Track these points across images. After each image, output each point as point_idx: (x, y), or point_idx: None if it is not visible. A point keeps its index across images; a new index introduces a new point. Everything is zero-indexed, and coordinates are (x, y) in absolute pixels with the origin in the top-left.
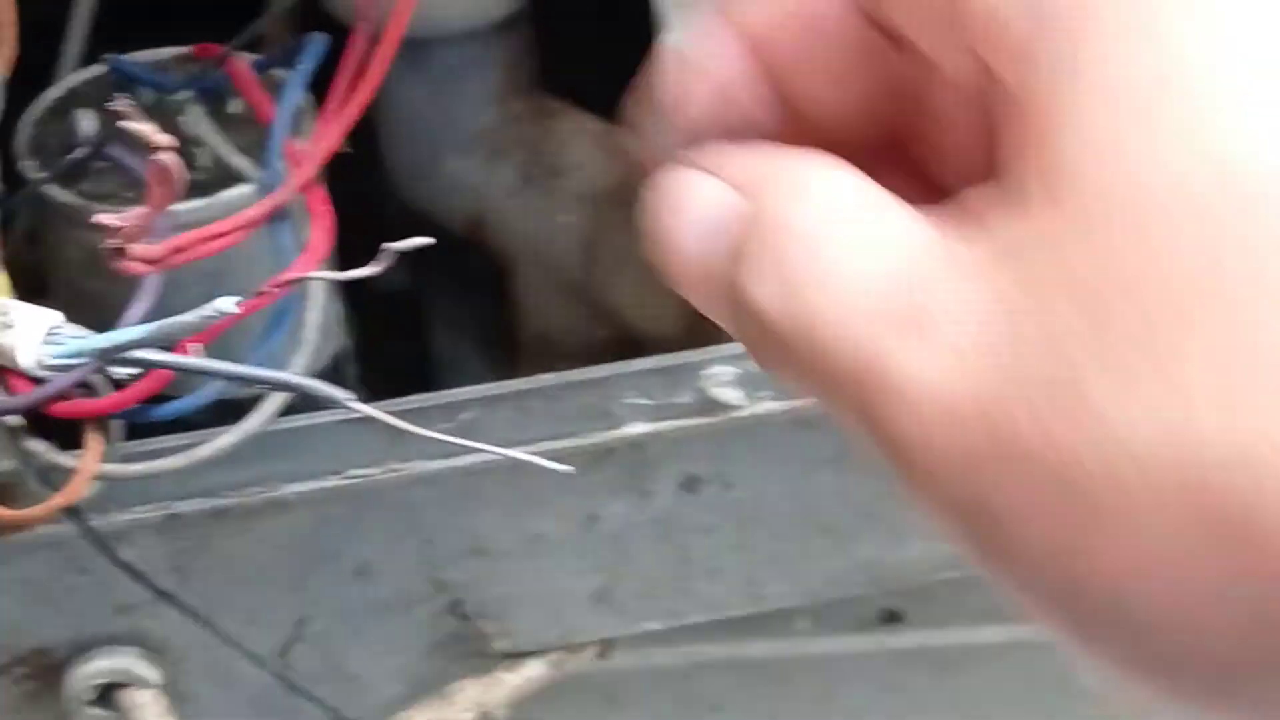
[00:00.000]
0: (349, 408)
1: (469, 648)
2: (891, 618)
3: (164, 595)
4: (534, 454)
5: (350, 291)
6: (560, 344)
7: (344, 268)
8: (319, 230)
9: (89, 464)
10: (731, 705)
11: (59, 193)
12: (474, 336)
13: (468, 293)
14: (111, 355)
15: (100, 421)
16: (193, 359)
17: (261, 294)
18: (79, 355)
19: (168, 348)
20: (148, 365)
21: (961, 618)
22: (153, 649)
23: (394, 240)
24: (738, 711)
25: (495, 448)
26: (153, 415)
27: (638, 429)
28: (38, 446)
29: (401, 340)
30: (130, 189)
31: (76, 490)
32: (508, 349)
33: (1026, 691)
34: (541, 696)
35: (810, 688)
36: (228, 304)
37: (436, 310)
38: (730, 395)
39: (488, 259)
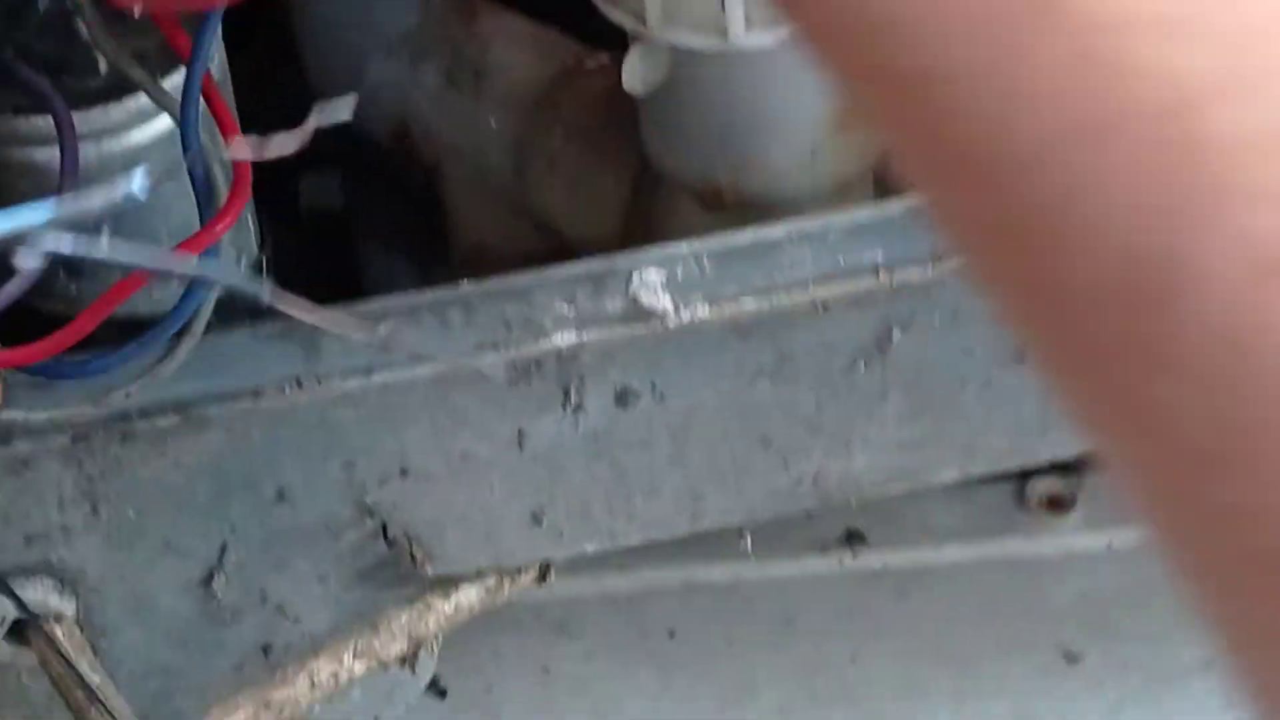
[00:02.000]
0: (260, 299)
1: (399, 574)
2: (852, 538)
3: None
4: (458, 367)
5: (275, 211)
6: (495, 255)
7: (269, 182)
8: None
9: None
10: (687, 631)
11: None
12: (407, 253)
13: (399, 207)
14: (8, 241)
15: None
16: (100, 243)
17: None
18: None
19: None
20: (49, 252)
21: (924, 537)
22: (66, 580)
23: (318, 152)
24: (693, 637)
25: (417, 351)
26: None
27: (565, 339)
28: None
29: (331, 261)
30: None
31: None
32: (442, 265)
33: (990, 611)
34: (491, 626)
35: (769, 611)
36: (137, 186)
37: (366, 228)
38: (661, 301)
39: (417, 170)
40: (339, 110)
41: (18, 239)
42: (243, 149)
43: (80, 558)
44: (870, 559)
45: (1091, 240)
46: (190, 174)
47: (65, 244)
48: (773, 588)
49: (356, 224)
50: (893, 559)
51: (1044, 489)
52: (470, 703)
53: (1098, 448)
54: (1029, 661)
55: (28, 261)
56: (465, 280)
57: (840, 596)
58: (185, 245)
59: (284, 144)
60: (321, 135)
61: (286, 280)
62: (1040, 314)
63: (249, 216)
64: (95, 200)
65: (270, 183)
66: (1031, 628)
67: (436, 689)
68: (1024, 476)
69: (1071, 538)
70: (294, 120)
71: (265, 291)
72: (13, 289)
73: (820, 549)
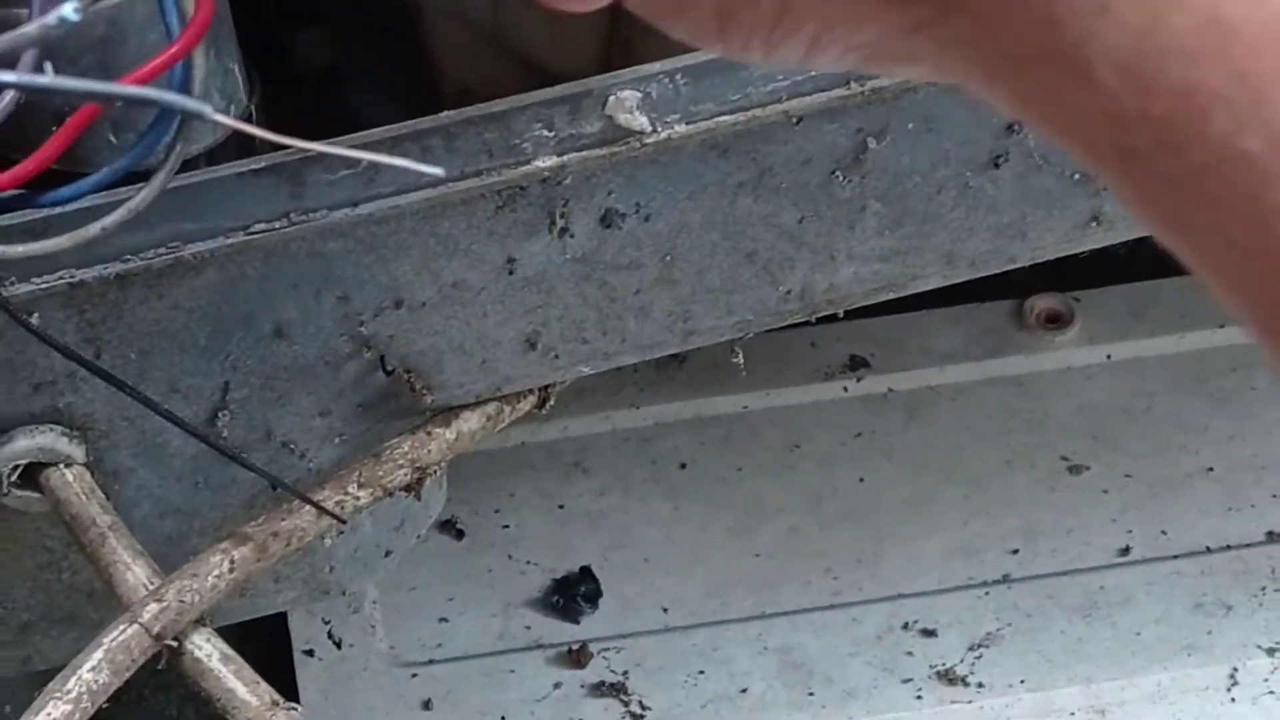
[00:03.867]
0: (210, 119)
1: (400, 405)
2: (856, 364)
3: (78, 359)
4: (443, 196)
5: (269, 71)
6: (481, 98)
7: (254, 38)
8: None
9: None
10: (698, 461)
11: None
12: (398, 105)
13: (387, 60)
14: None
15: None
16: (45, 77)
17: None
18: None
19: (11, 65)
20: None
21: (926, 360)
22: (75, 426)
23: (304, 6)
24: (704, 467)
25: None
26: (42, 201)
27: (546, 163)
28: None
29: (325, 117)
30: None
31: None
32: (431, 109)
33: (993, 428)
34: (507, 465)
35: (776, 439)
36: (68, 10)
37: (358, 82)
38: (637, 120)
39: (400, 16)
40: None
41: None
42: None
43: (87, 403)
44: (874, 383)
45: None
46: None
47: (8, 77)
48: (779, 416)
49: (347, 78)
50: (896, 382)
51: (1042, 306)
52: (488, 542)
53: None
54: (1034, 475)
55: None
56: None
57: (846, 421)
58: (136, 75)
59: None
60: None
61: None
62: None
63: (237, 66)
64: (30, 29)
65: (262, 38)
66: (1035, 442)
67: (454, 529)
68: (1022, 295)
69: (1070, 352)
70: None
71: (208, 110)
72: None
73: (825, 376)
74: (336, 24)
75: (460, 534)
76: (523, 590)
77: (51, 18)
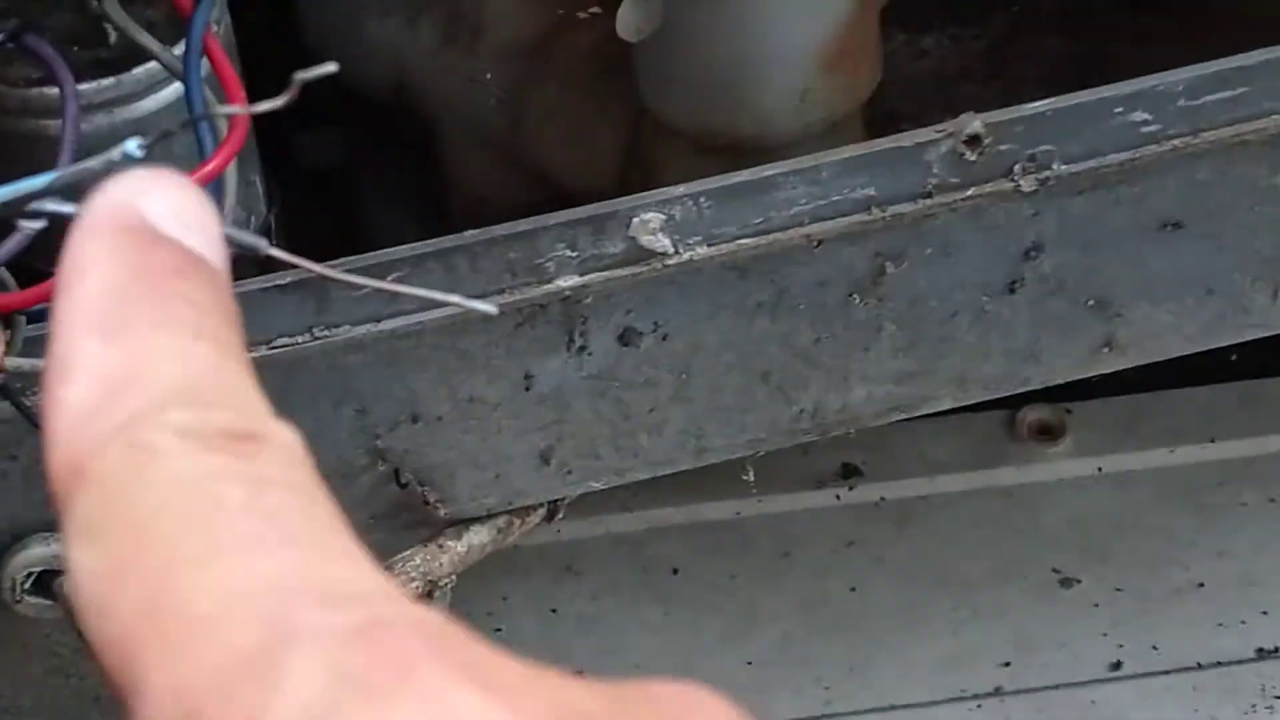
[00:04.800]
0: (265, 253)
1: (412, 517)
2: (848, 472)
3: None
4: (465, 313)
5: (276, 167)
6: (493, 209)
7: (269, 142)
8: (229, 85)
9: None
10: (690, 568)
11: None
12: (407, 209)
13: (398, 164)
14: (12, 209)
15: (6, 318)
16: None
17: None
18: None
19: (74, 199)
20: (53, 218)
21: (918, 469)
22: None
23: (316, 109)
24: (696, 573)
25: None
26: None
27: (568, 282)
28: None
29: (334, 218)
30: (40, 74)
31: None
32: (442, 219)
33: (985, 539)
34: (500, 568)
35: (768, 547)
36: (132, 146)
37: (368, 185)
38: (660, 242)
39: (415, 125)
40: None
41: (21, 203)
42: (231, 106)
43: None
44: (867, 492)
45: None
46: (196, 133)
47: (66, 207)
48: (772, 523)
49: (357, 181)
50: (888, 491)
51: (1034, 418)
52: None
53: None
54: (1025, 587)
55: (31, 224)
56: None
57: (838, 529)
58: None
59: (272, 102)
60: (321, 93)
61: (290, 235)
62: None
63: (258, 179)
64: (94, 164)
65: (272, 141)
66: (1026, 554)
67: None
68: (1014, 406)
69: (1062, 464)
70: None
71: (268, 248)
72: (11, 245)
73: (817, 483)
74: (347, 126)
75: None
76: None
77: (116, 153)
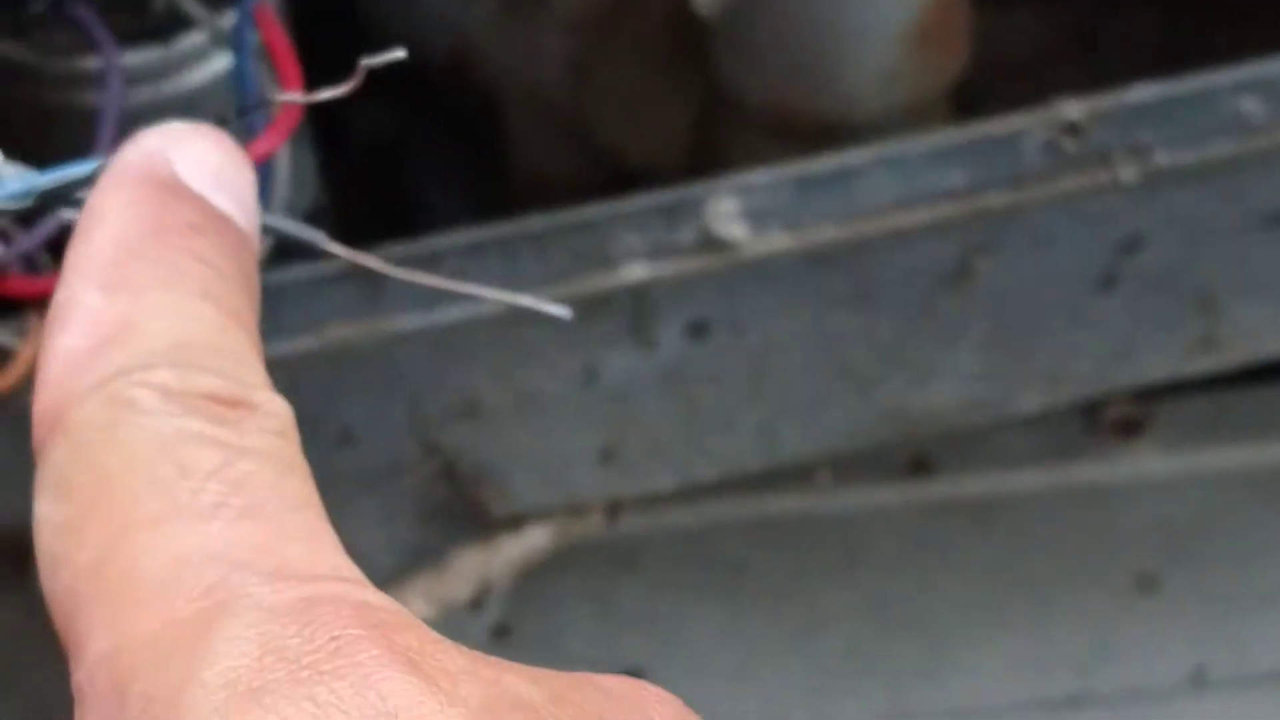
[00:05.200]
0: (323, 248)
1: (466, 515)
2: (919, 467)
3: None
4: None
5: (330, 145)
6: (555, 186)
7: (319, 115)
8: (284, 70)
9: (28, 351)
10: (753, 565)
11: (9, 48)
12: (463, 186)
13: (454, 138)
14: (59, 195)
15: (45, 301)
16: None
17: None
18: (20, 196)
19: None
20: None
21: (994, 464)
22: None
23: (368, 81)
24: (759, 571)
25: (488, 291)
26: None
27: (636, 272)
28: None
29: (387, 195)
30: (84, 46)
31: (14, 378)
32: (500, 196)
33: (1062, 539)
34: (554, 563)
35: (835, 544)
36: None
37: (422, 160)
38: (735, 231)
39: (473, 99)
40: (391, 53)
41: (65, 191)
42: (290, 94)
43: None
44: (939, 488)
45: None
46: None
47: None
48: (840, 520)
49: (409, 155)
50: (962, 487)
51: (1116, 412)
52: (533, 640)
53: None
54: (1104, 590)
55: (74, 213)
56: (527, 212)
57: (908, 527)
58: None
59: (334, 89)
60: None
61: (339, 211)
62: None
63: (309, 156)
64: None
65: (321, 114)
66: (1105, 556)
67: (499, 626)
68: (1096, 401)
69: (1145, 462)
70: (345, 52)
71: (325, 242)
72: (48, 228)
73: (888, 479)
74: (400, 99)
75: (506, 631)
76: None
77: None
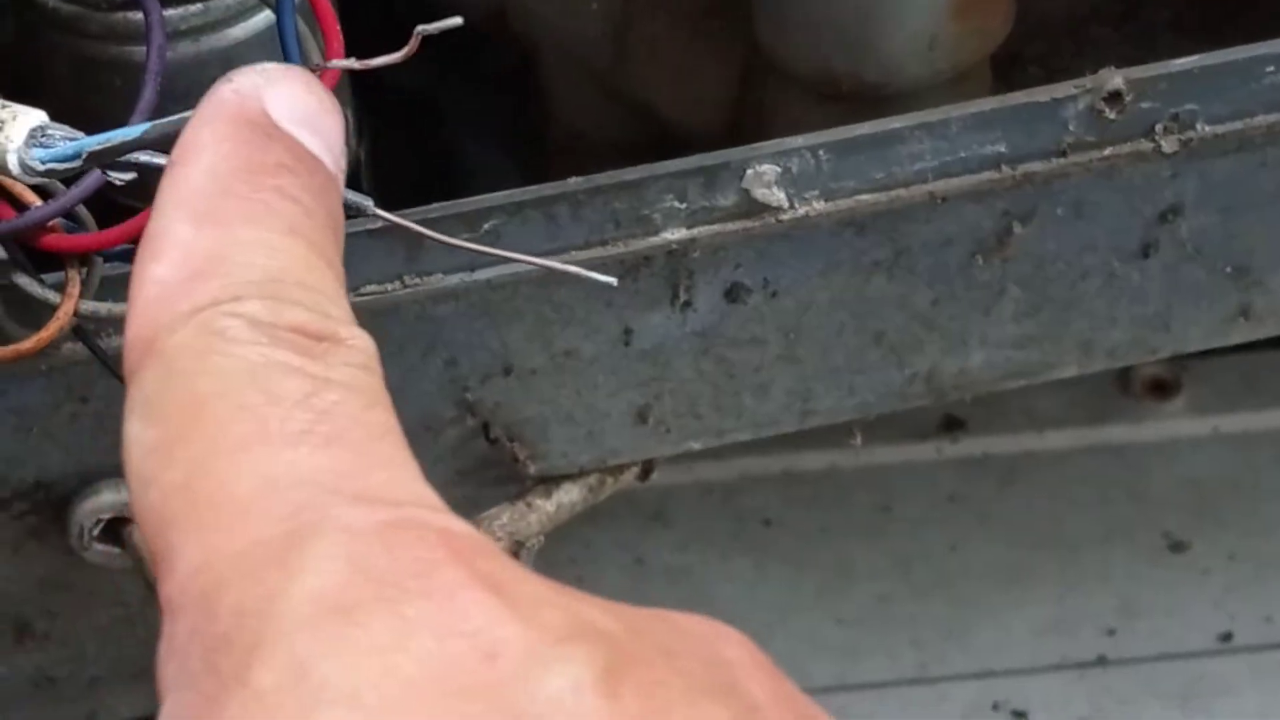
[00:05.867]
0: (370, 213)
1: (500, 473)
2: (951, 425)
3: None
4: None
5: (364, 96)
6: (592, 143)
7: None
8: (328, 30)
9: (68, 305)
10: (783, 519)
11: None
12: (499, 140)
13: (490, 92)
14: (106, 158)
15: (84, 258)
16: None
17: None
18: (69, 158)
19: (167, 150)
20: (145, 170)
21: (1024, 424)
22: None
23: (405, 34)
24: (790, 525)
25: (529, 257)
26: None
27: (675, 235)
28: (19, 279)
29: (421, 148)
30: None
31: (53, 331)
32: (536, 151)
33: (1092, 498)
34: (586, 517)
35: (866, 500)
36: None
37: (458, 112)
38: (775, 196)
39: (511, 53)
40: (449, 21)
41: (112, 154)
42: (342, 60)
43: None
44: (970, 446)
45: None
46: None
47: (158, 159)
48: (870, 476)
49: (446, 109)
50: (993, 446)
51: (1148, 374)
52: None
53: None
54: (1133, 550)
55: (121, 175)
56: (563, 169)
57: (939, 484)
58: None
59: (388, 56)
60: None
61: (376, 164)
62: None
63: (349, 110)
64: (189, 116)
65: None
66: (1135, 516)
67: None
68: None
69: (1176, 422)
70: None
71: (370, 206)
72: (89, 184)
73: (919, 436)
74: (438, 54)
75: None
76: None
77: None
